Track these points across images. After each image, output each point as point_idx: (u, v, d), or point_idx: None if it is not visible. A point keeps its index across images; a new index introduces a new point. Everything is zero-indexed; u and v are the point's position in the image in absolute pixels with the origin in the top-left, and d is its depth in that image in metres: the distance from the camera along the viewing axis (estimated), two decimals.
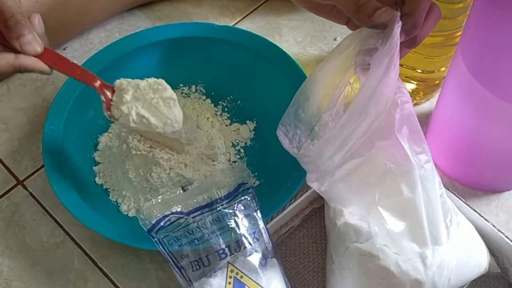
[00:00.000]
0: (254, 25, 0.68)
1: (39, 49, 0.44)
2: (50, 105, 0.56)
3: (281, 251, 0.51)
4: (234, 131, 0.59)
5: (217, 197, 0.46)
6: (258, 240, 0.45)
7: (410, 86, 0.60)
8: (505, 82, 0.44)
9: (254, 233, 0.45)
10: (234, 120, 0.60)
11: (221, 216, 0.45)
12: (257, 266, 0.44)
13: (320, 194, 0.46)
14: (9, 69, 0.44)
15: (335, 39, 0.67)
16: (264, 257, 0.44)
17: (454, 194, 0.51)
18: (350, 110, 0.41)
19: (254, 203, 0.46)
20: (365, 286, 0.46)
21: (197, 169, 0.55)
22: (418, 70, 0.58)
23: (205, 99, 0.61)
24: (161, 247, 0.44)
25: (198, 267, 0.43)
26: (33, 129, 0.61)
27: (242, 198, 0.46)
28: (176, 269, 0.44)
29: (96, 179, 0.56)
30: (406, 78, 0.59)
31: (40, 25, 0.45)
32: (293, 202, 0.51)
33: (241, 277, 0.43)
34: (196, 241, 0.44)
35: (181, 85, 0.61)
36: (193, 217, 0.45)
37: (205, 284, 0.43)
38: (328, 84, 0.45)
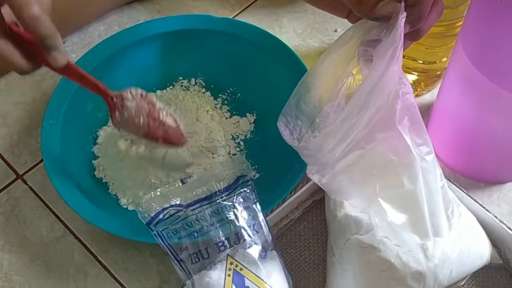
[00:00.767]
0: (254, 17, 0.68)
1: (66, 62, 0.43)
2: (49, 99, 0.55)
3: (281, 243, 0.51)
4: (234, 123, 0.59)
5: (216, 190, 0.45)
6: (257, 232, 0.45)
7: (411, 77, 0.59)
8: (507, 71, 0.44)
9: (253, 225, 0.45)
10: (234, 112, 0.59)
11: (220, 208, 0.44)
12: (256, 258, 0.43)
13: (321, 186, 0.46)
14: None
15: (335, 31, 0.67)
16: (264, 250, 0.44)
17: (456, 185, 0.51)
18: (351, 103, 0.40)
19: (254, 195, 0.46)
20: (366, 278, 0.46)
21: (197, 162, 0.55)
22: (419, 61, 0.57)
23: (204, 92, 0.60)
24: (160, 240, 0.44)
25: (197, 259, 0.43)
26: (32, 123, 0.60)
27: (241, 190, 0.45)
28: (175, 261, 0.44)
29: (96, 172, 0.55)
30: (407, 69, 0.58)
31: None
32: (293, 194, 0.51)
33: (241, 269, 0.43)
34: (195, 233, 0.44)
35: (181, 78, 0.61)
36: (192, 210, 0.45)
37: (205, 276, 0.43)
38: (330, 75, 0.45)
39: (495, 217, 0.49)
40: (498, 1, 0.41)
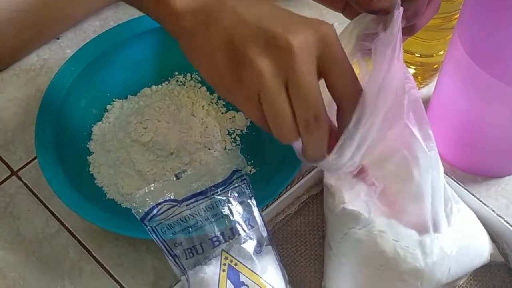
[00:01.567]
0: None
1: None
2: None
3: (277, 239, 0.51)
4: (230, 118, 0.58)
5: (211, 185, 0.45)
6: (252, 227, 0.44)
7: (409, 71, 0.59)
8: (504, 63, 0.43)
9: (248, 220, 0.44)
10: (230, 107, 0.59)
11: (215, 203, 0.44)
12: (251, 253, 0.43)
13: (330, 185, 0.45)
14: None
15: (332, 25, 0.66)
16: (259, 244, 0.44)
17: (454, 180, 0.50)
18: (359, 110, 0.39)
19: (249, 190, 0.45)
20: (363, 272, 0.46)
21: (193, 157, 0.54)
22: (417, 55, 0.57)
23: (200, 87, 0.60)
24: (154, 235, 0.44)
25: (191, 254, 0.43)
26: (27, 119, 0.60)
27: (236, 185, 0.45)
28: (170, 257, 0.44)
29: (90, 168, 0.55)
30: (405, 63, 0.58)
31: None
32: (289, 189, 0.51)
33: (236, 264, 0.42)
34: (189, 228, 0.43)
35: (176, 73, 0.61)
36: (186, 205, 0.44)
37: (200, 272, 0.43)
38: None
39: (493, 210, 0.49)
40: None
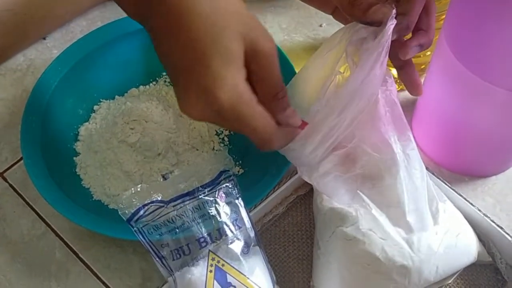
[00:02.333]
0: None
1: (299, 122, 0.41)
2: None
3: (265, 239, 0.51)
4: None
5: (198, 185, 0.45)
6: (240, 227, 0.44)
7: (391, 73, 0.59)
8: (490, 64, 0.44)
9: (236, 220, 0.44)
10: None
11: (202, 204, 0.44)
12: (239, 254, 0.43)
13: (313, 186, 0.46)
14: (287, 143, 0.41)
15: (320, 26, 0.66)
16: (247, 245, 0.44)
17: (440, 179, 0.51)
18: (331, 105, 0.40)
19: (236, 190, 0.45)
20: (351, 271, 0.46)
21: (180, 158, 0.54)
22: None
23: None
24: (141, 236, 0.43)
25: (178, 255, 0.43)
26: (12, 120, 0.60)
27: (224, 185, 0.45)
28: (156, 258, 0.43)
29: (77, 169, 0.55)
30: (391, 64, 0.58)
31: None
32: (277, 189, 0.51)
33: (223, 265, 0.42)
34: (176, 229, 0.43)
35: (164, 73, 0.60)
36: (173, 206, 0.44)
37: (187, 273, 0.42)
38: (319, 79, 0.45)
39: (479, 210, 0.49)
40: None
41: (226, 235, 0.43)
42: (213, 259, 0.42)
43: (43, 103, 0.54)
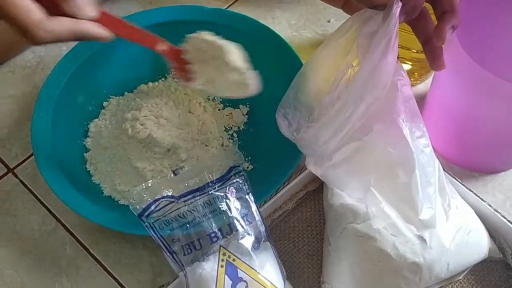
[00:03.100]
0: (246, 8, 0.67)
1: (91, 14, 0.39)
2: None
3: (275, 235, 0.51)
4: (227, 115, 0.58)
5: (209, 181, 0.45)
6: (250, 223, 0.44)
7: (406, 66, 0.59)
8: (501, 58, 0.43)
9: (246, 216, 0.44)
10: (227, 104, 0.59)
11: (213, 199, 0.44)
12: (249, 249, 0.43)
13: (320, 177, 0.45)
14: (69, 37, 0.39)
15: (329, 21, 0.66)
16: (257, 240, 0.44)
17: (451, 175, 0.50)
18: (345, 95, 0.40)
19: (246, 186, 0.45)
20: (361, 268, 0.46)
21: (190, 154, 0.54)
22: (413, 50, 0.57)
23: None
24: (152, 231, 0.43)
25: (189, 251, 0.43)
26: (23, 116, 0.60)
27: (234, 181, 0.45)
28: (167, 253, 0.43)
29: (87, 165, 0.55)
30: (401, 59, 0.58)
31: None
32: (287, 185, 0.51)
33: (234, 260, 0.42)
34: (187, 225, 0.43)
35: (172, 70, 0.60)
36: (184, 201, 0.44)
37: (198, 268, 0.42)
38: (329, 67, 0.44)
39: (490, 206, 0.49)
40: None
41: (237, 230, 0.43)
42: (224, 254, 0.43)
43: (53, 99, 0.54)
